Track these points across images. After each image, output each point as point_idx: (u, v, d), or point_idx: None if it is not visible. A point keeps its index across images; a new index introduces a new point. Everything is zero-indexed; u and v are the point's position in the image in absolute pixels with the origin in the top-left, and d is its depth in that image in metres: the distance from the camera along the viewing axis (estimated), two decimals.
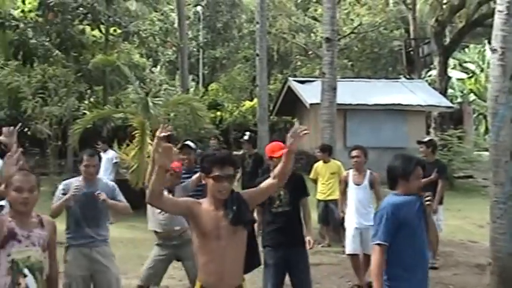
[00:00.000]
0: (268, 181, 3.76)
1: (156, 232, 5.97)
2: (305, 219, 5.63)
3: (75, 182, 5.26)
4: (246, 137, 10.55)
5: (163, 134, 4.23)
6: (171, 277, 7.01)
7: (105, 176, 9.30)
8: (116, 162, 12.09)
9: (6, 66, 18.43)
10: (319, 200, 9.76)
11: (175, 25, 25.03)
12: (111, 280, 5.17)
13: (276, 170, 3.75)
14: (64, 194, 5.15)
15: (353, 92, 18.84)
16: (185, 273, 6.76)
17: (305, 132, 3.64)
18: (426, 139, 8.98)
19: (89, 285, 5.19)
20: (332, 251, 9.27)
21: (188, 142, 7.52)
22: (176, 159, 6.37)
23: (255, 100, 25.45)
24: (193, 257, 5.79)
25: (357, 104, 18.89)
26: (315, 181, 9.76)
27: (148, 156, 13.11)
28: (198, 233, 3.46)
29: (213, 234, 3.42)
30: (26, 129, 20.92)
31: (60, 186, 5.30)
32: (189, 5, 30.05)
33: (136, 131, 13.14)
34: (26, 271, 3.44)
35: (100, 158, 5.49)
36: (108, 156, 11.70)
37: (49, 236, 3.67)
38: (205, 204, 3.52)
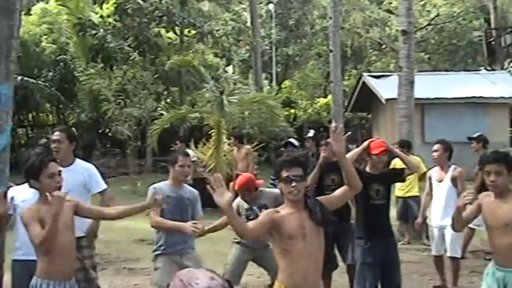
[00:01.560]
0: (343, 189, 3.78)
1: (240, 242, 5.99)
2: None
3: (163, 186, 5.26)
4: (310, 134, 10.38)
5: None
6: (249, 274, 7.05)
7: None
8: (193, 161, 12.27)
9: (87, 70, 19.17)
10: (397, 197, 9.55)
11: (248, 24, 25.20)
12: None
13: (345, 179, 3.76)
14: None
15: (431, 85, 18.33)
16: (262, 270, 6.82)
17: (341, 131, 3.65)
18: (476, 135, 8.97)
19: None
20: (412, 249, 9.05)
21: (291, 140, 7.57)
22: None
23: (329, 97, 25.21)
24: (272, 257, 5.81)
25: (435, 98, 18.37)
26: None
27: (225, 155, 13.33)
28: (284, 238, 3.47)
29: (299, 234, 3.46)
30: (107, 131, 21.72)
31: (151, 191, 5.20)
32: (261, 3, 30.13)
33: (212, 130, 13.34)
34: None
35: (191, 159, 5.44)
36: None
37: None
38: (285, 209, 3.55)
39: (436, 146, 6.96)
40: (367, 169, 5.58)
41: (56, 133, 5.22)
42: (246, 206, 5.90)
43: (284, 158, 3.78)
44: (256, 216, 5.87)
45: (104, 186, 5.25)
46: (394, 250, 5.53)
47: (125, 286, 7.19)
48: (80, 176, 5.00)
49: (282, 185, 3.54)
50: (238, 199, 6.04)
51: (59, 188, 3.81)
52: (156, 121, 15.20)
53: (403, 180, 6.20)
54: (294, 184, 3.48)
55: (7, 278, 5.31)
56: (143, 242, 9.99)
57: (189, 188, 5.46)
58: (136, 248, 9.62)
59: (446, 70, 25.93)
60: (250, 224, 3.58)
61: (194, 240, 5.33)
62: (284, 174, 3.52)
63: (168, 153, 18.67)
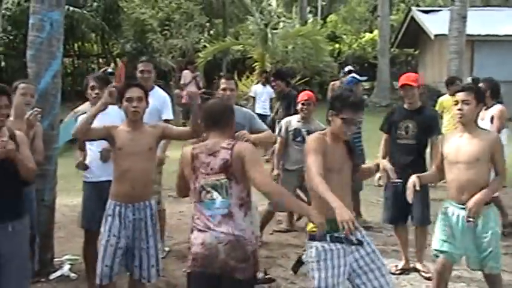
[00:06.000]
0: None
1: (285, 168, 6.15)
2: (432, 159, 5.42)
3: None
4: (347, 69, 10.22)
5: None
6: None
7: None
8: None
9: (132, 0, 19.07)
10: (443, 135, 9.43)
11: None
12: None
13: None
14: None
15: (482, 21, 17.69)
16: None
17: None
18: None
19: None
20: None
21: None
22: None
23: (375, 32, 24.64)
24: None
25: (486, 35, 17.76)
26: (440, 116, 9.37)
27: None
28: (324, 168, 3.41)
29: (336, 168, 3.46)
30: None
31: None
32: None
33: (255, 63, 13.30)
34: None
35: (237, 85, 5.48)
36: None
37: None
38: (327, 139, 3.50)
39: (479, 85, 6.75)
40: (404, 105, 5.40)
41: (145, 64, 5.63)
42: (295, 125, 6.11)
43: (353, 100, 3.45)
44: (303, 139, 5.92)
45: (171, 116, 5.59)
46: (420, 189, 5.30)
47: (170, 213, 7.39)
48: (156, 102, 5.20)
49: (340, 123, 3.42)
50: (291, 117, 6.27)
51: (135, 113, 3.91)
52: (200, 53, 15.19)
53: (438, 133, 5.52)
54: (352, 127, 3.45)
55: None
56: None
57: (243, 110, 5.29)
58: None
59: (499, 6, 24.92)
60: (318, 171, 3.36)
61: None
62: (347, 115, 3.40)
63: (211, 85, 18.83)
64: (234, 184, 3.20)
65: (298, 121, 6.14)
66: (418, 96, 5.36)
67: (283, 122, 6.30)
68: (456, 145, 4.03)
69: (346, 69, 7.77)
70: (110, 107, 3.98)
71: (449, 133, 4.28)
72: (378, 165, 3.84)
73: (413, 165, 5.10)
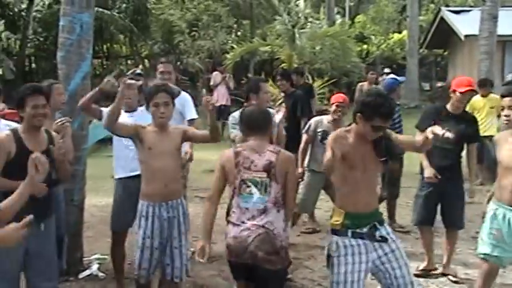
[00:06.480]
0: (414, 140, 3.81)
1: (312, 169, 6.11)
2: (469, 166, 5.35)
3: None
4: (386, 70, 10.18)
5: None
6: (317, 207, 7.13)
7: None
8: None
9: (160, 1, 19.23)
10: None
11: None
12: None
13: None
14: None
15: None
16: (330, 204, 6.89)
17: None
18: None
19: None
20: (484, 189, 8.85)
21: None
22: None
23: (404, 32, 24.43)
24: None
25: None
26: None
27: None
28: (346, 166, 3.42)
29: (360, 166, 3.42)
30: (178, 63, 21.99)
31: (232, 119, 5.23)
32: None
33: (283, 64, 13.28)
34: None
35: None
36: None
37: None
38: (350, 137, 3.45)
39: None
40: (448, 106, 5.24)
41: (165, 65, 5.54)
42: (325, 127, 6.04)
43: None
44: None
45: (195, 115, 5.48)
46: (456, 190, 5.18)
47: (197, 213, 7.39)
48: (177, 105, 5.10)
49: (368, 128, 3.36)
50: (322, 117, 6.21)
51: (161, 119, 3.99)
52: (228, 55, 15.24)
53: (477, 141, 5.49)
54: (380, 132, 3.41)
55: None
56: (212, 172, 10.19)
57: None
58: (206, 177, 9.86)
59: None
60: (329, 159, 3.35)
61: None
62: (378, 123, 3.34)
63: (238, 86, 18.89)
64: (274, 183, 3.44)
65: (329, 122, 6.06)
66: None
67: (313, 120, 6.22)
68: (509, 149, 3.92)
69: (386, 70, 7.68)
70: (139, 109, 4.01)
71: (501, 137, 4.11)
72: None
73: (450, 168, 5.08)
